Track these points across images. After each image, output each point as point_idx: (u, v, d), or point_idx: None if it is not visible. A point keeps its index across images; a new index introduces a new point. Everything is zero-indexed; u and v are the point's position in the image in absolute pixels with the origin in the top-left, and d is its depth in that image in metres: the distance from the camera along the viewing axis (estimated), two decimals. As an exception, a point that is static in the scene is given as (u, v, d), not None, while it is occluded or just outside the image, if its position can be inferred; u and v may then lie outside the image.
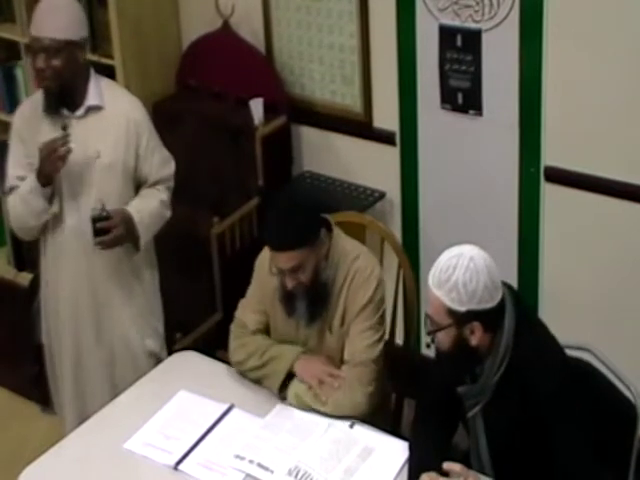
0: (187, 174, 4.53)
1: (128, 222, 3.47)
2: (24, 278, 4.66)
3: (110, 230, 3.40)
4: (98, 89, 3.49)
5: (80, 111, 3.47)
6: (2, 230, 4.95)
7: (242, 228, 4.30)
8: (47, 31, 3.34)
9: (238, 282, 3.93)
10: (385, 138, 4.28)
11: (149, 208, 3.56)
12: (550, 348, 2.81)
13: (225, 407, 3.18)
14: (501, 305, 2.74)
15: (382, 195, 4.34)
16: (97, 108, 3.48)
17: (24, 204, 3.48)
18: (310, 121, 4.48)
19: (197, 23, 4.59)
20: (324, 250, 3.11)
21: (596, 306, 3.89)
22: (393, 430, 3.17)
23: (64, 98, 3.46)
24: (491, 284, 2.70)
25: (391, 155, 4.28)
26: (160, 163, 3.62)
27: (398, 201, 4.33)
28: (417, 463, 2.83)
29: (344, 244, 3.19)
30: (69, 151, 3.35)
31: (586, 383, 2.90)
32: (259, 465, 2.97)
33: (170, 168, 3.66)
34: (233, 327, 3.34)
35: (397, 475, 2.91)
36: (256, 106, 4.31)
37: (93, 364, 3.70)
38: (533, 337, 2.79)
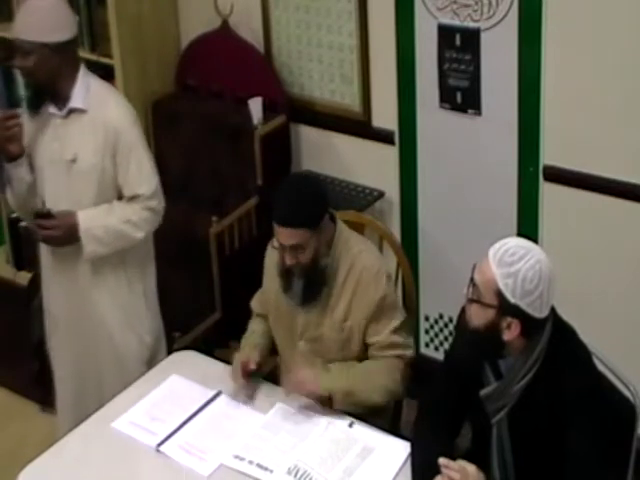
0: (186, 173, 4.56)
1: (71, 227, 3.43)
2: (23, 277, 4.66)
3: (48, 228, 3.43)
4: (85, 92, 3.44)
5: (63, 112, 3.46)
6: (1, 229, 4.95)
7: (241, 228, 4.30)
8: (17, 32, 3.36)
9: (237, 281, 3.94)
10: (384, 137, 4.28)
11: (106, 222, 3.45)
12: (585, 363, 2.77)
13: (213, 393, 3.22)
14: (544, 322, 2.70)
15: (381, 194, 4.34)
16: (79, 111, 3.45)
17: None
18: (309, 120, 4.48)
19: (196, 22, 4.59)
20: (326, 237, 3.15)
21: (596, 305, 3.89)
22: (392, 429, 3.17)
23: (44, 97, 3.46)
24: (546, 297, 2.65)
25: (390, 154, 4.28)
26: (136, 177, 3.47)
27: (397, 200, 4.33)
28: (421, 464, 2.82)
29: (348, 236, 3.23)
30: (18, 125, 3.42)
31: (621, 418, 2.90)
32: (258, 465, 2.96)
33: (149, 186, 3.49)
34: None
35: (396, 475, 2.91)
36: (255, 105, 4.31)
37: (85, 368, 3.71)
38: (569, 349, 2.75)
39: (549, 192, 3.93)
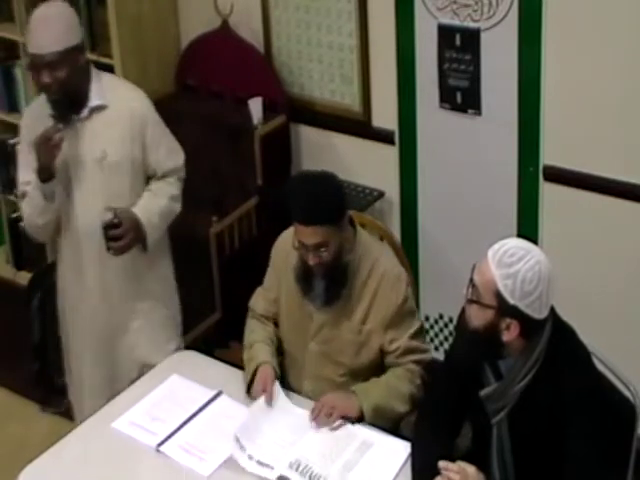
0: (186, 173, 4.55)
1: (137, 226, 3.45)
2: (23, 277, 4.66)
3: (121, 236, 3.40)
4: (100, 88, 3.45)
5: (84, 113, 3.44)
6: (1, 229, 4.96)
7: (241, 228, 4.30)
8: (47, 46, 3.29)
9: (237, 281, 3.93)
10: (384, 137, 4.28)
11: (159, 208, 3.53)
12: (585, 363, 2.77)
13: (213, 393, 3.23)
14: (544, 322, 2.70)
15: (381, 194, 4.34)
16: (100, 107, 3.45)
17: (29, 201, 3.48)
18: (309, 120, 4.48)
19: (196, 22, 4.60)
20: (348, 235, 3.12)
21: (595, 305, 3.89)
22: (392, 429, 3.17)
23: (74, 105, 3.42)
24: (545, 298, 2.65)
25: (390, 154, 4.28)
26: (167, 154, 3.58)
27: (397, 200, 4.33)
28: (421, 464, 2.82)
29: (367, 239, 3.22)
30: (62, 139, 3.32)
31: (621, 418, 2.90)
32: (259, 462, 2.96)
33: (179, 159, 3.62)
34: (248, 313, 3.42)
35: (396, 475, 2.91)
36: (255, 105, 4.31)
37: (110, 361, 3.70)
38: (569, 349, 2.75)
39: (549, 192, 3.93)
